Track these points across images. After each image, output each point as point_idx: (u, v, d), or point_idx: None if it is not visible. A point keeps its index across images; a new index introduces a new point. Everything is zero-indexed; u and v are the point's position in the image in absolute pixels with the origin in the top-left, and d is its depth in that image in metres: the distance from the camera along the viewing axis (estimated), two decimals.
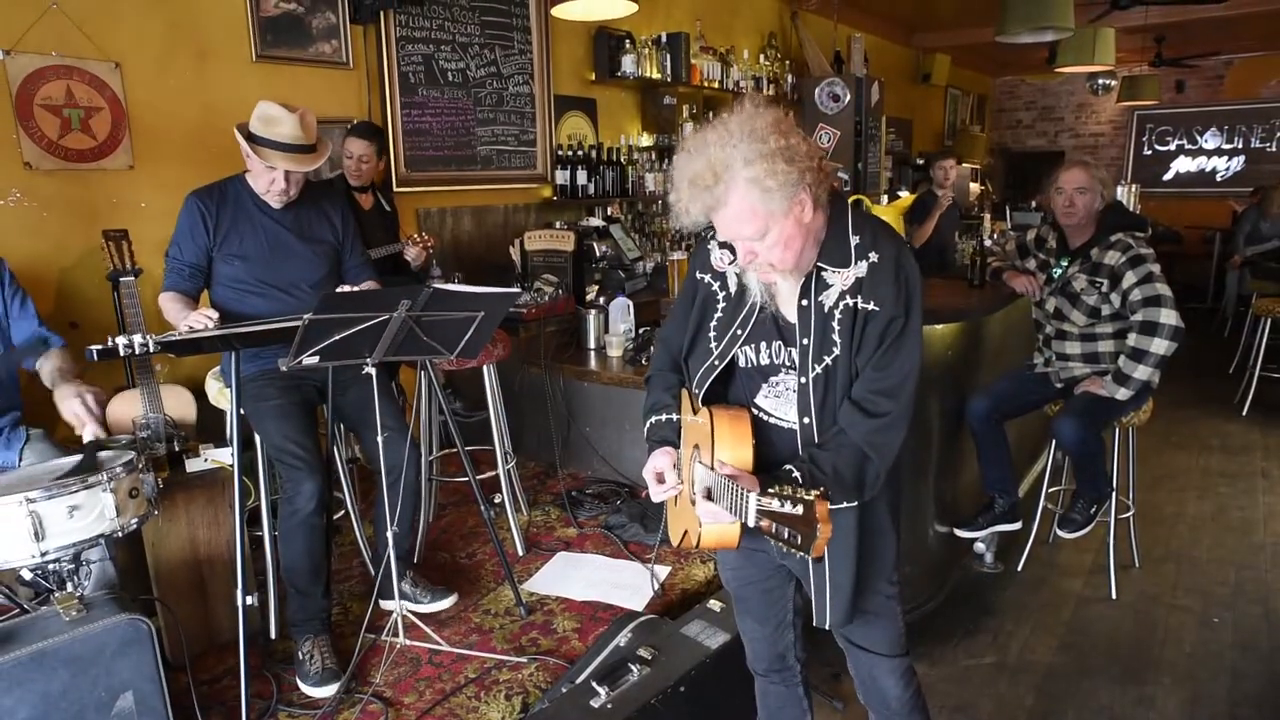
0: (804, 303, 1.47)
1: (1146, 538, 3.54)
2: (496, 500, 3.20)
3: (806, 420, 1.50)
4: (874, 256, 1.45)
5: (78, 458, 2.01)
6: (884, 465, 1.46)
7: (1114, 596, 3.12)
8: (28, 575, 1.95)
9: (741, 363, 1.57)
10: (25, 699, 1.58)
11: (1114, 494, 3.15)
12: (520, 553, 3.07)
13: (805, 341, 1.48)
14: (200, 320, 2.19)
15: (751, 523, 1.26)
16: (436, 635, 2.47)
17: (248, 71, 3.52)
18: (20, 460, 2.22)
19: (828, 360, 1.47)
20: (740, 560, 1.74)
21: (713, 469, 1.44)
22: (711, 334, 1.58)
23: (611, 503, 3.39)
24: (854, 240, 1.46)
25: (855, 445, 1.44)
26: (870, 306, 1.44)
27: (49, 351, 2.26)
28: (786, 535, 1.20)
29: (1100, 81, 9.33)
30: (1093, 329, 3.04)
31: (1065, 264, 3.10)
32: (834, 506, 1.42)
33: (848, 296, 1.45)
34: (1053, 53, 6.87)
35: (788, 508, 1.19)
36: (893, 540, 1.63)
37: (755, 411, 1.56)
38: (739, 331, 1.55)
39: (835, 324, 1.46)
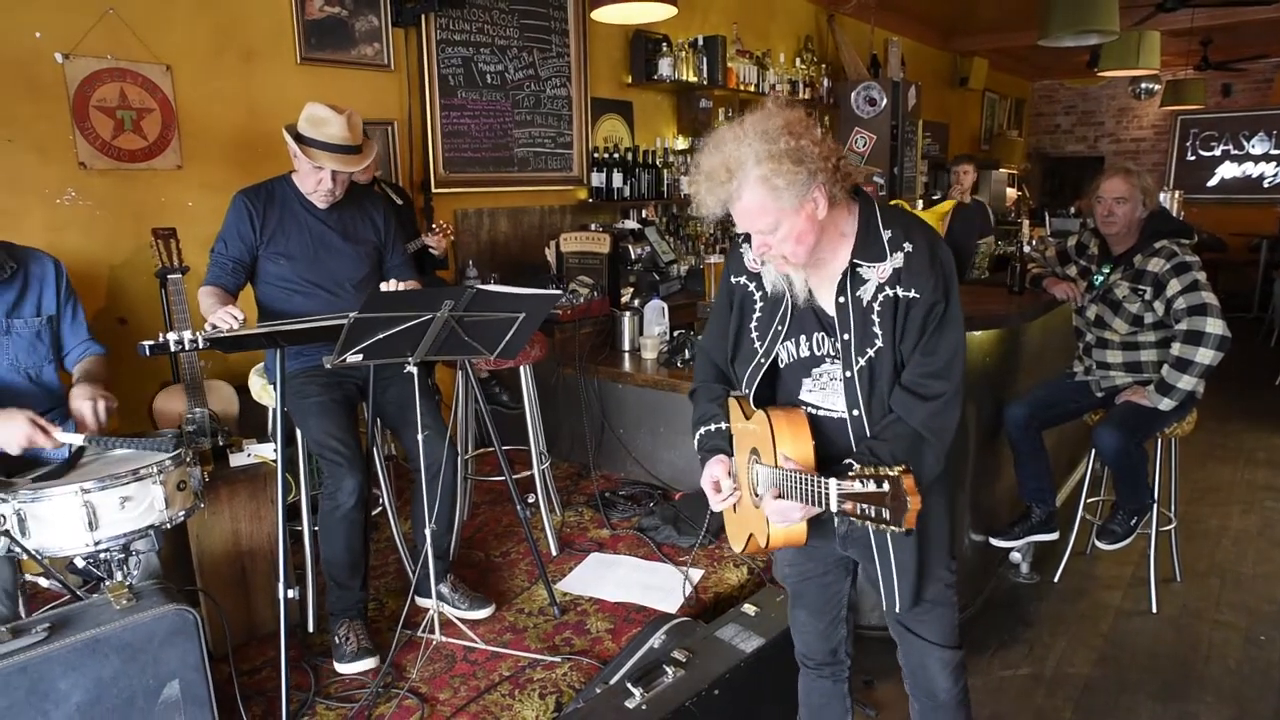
0: (841, 300, 1.53)
1: (1188, 551, 3.47)
2: (531, 500, 3.22)
3: (856, 412, 1.54)
4: (909, 246, 1.49)
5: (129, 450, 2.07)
6: (942, 447, 1.50)
7: (1154, 610, 3.07)
8: (80, 563, 2.01)
9: (784, 358, 1.61)
10: (79, 683, 1.63)
11: (1155, 506, 3.09)
12: (554, 553, 3.08)
13: (846, 337, 1.53)
14: (225, 319, 2.17)
15: (834, 508, 1.31)
16: (471, 633, 2.49)
17: (292, 73, 3.58)
18: (67, 452, 2.28)
19: (870, 353, 1.51)
20: (800, 556, 1.77)
21: (777, 467, 1.46)
22: (754, 333, 1.63)
23: (644, 505, 3.39)
24: (886, 235, 1.51)
25: (911, 432, 1.48)
26: (911, 294, 1.48)
27: (88, 356, 2.31)
28: (874, 514, 1.24)
29: (1143, 86, 9.17)
30: (1135, 337, 2.99)
31: (1107, 271, 3.05)
32: None
33: (886, 288, 1.49)
34: (1094, 56, 6.76)
35: (871, 486, 1.25)
36: (947, 526, 1.65)
37: (804, 407, 1.60)
38: (779, 327, 1.59)
39: (875, 316, 1.50)
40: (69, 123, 2.97)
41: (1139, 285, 2.91)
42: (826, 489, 1.32)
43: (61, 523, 1.82)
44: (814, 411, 1.59)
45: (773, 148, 1.39)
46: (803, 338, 1.58)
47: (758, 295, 1.63)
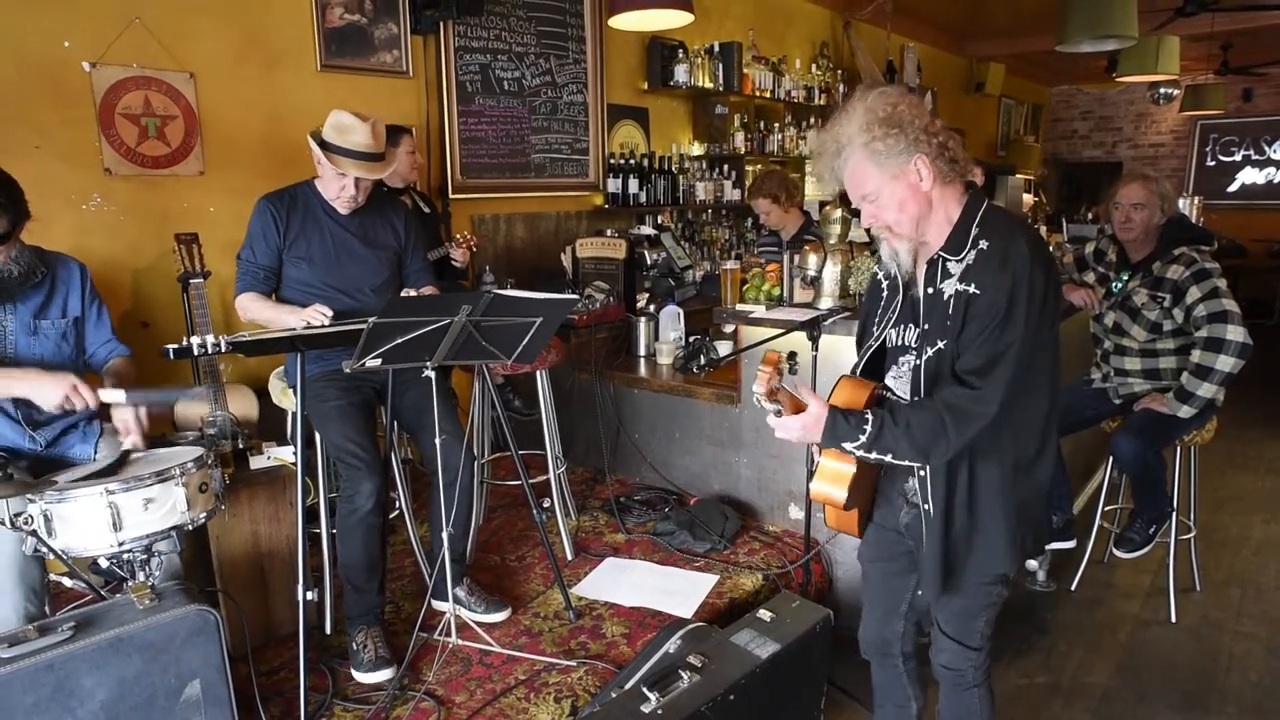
0: (929, 290, 1.62)
1: (1208, 561, 3.44)
2: (546, 504, 3.23)
3: (916, 398, 1.63)
4: (983, 244, 1.55)
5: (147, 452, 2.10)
6: (956, 438, 1.53)
7: (1173, 620, 3.04)
8: (104, 563, 2.04)
9: (893, 340, 1.73)
10: (104, 682, 1.65)
11: (1174, 514, 3.07)
12: (569, 557, 3.10)
13: (925, 326, 1.61)
14: (315, 317, 2.31)
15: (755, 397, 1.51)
16: (488, 636, 2.51)
17: (312, 81, 3.62)
18: (95, 453, 2.31)
19: (940, 345, 1.58)
20: (872, 537, 1.90)
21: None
22: (876, 317, 1.78)
23: (660, 510, 3.40)
24: (974, 231, 1.57)
25: (935, 407, 1.54)
26: (972, 290, 1.53)
27: (114, 358, 2.36)
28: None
29: (1162, 91, 9.10)
30: (1154, 344, 2.98)
31: (1125, 278, 3.04)
32: (894, 461, 1.57)
33: (958, 283, 1.55)
34: (1112, 61, 6.72)
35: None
36: (1001, 540, 1.67)
37: (884, 391, 1.73)
38: (891, 314, 1.72)
39: (950, 311, 1.56)
40: (95, 130, 3.02)
41: (1158, 292, 2.89)
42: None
43: (87, 523, 1.85)
44: (889, 395, 1.71)
45: (873, 117, 1.52)
46: (903, 325, 1.69)
47: (885, 285, 1.76)
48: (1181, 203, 4.82)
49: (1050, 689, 2.66)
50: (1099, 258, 3.24)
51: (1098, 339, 3.21)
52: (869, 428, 1.54)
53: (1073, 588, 3.29)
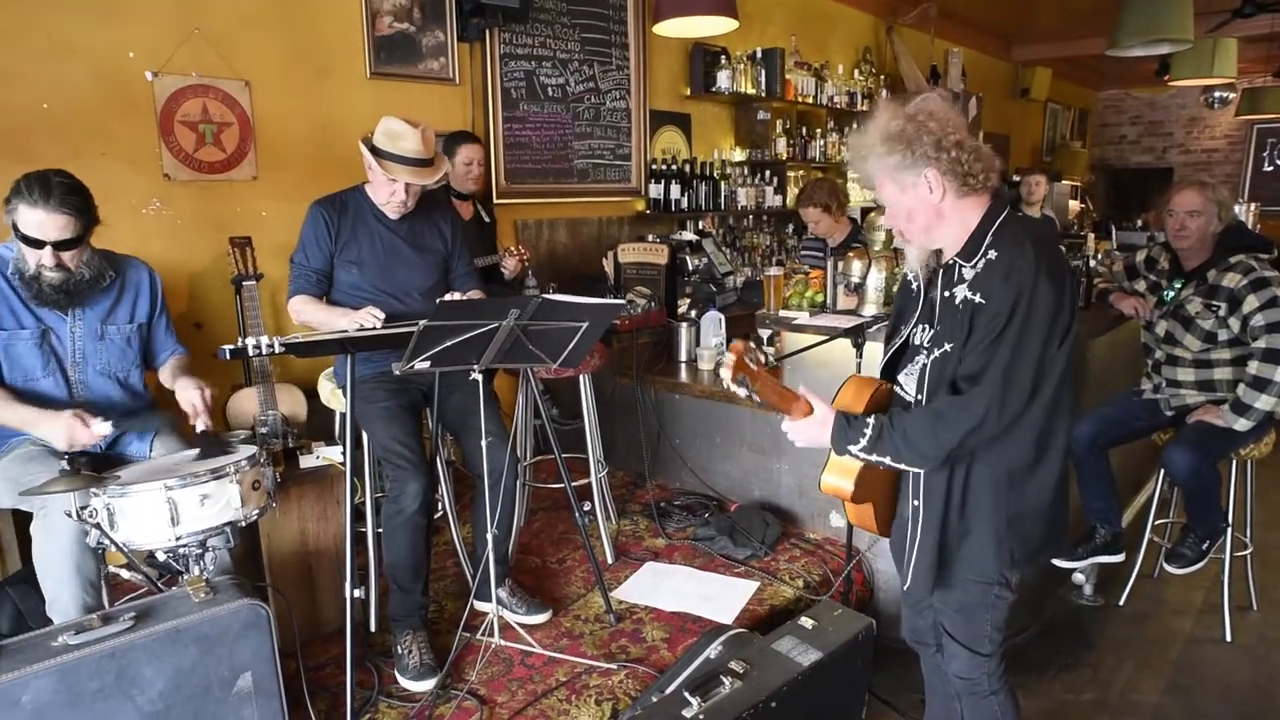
0: (945, 294, 1.66)
1: (1265, 578, 3.34)
2: (587, 508, 3.25)
3: (919, 398, 1.68)
4: (992, 254, 1.58)
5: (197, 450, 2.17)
6: (944, 441, 1.58)
7: (1228, 639, 2.96)
8: (161, 556, 2.10)
9: (914, 339, 1.76)
10: (162, 671, 1.70)
11: (1229, 530, 2.99)
12: (609, 560, 3.11)
13: (938, 327, 1.64)
14: (369, 319, 2.36)
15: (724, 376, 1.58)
16: (529, 637, 2.53)
17: (361, 87, 3.70)
18: (151, 451, 2.38)
19: (948, 347, 1.61)
20: (896, 529, 1.93)
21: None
22: (905, 317, 1.82)
23: (700, 515, 3.40)
24: (988, 239, 1.60)
25: (930, 411, 1.60)
26: (977, 299, 1.56)
27: (175, 356, 2.44)
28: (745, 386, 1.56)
29: (1218, 94, 8.89)
30: (1208, 355, 2.91)
31: (1179, 286, 2.97)
32: (894, 464, 1.64)
33: (968, 290, 1.58)
34: (1164, 64, 6.58)
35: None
36: (989, 545, 1.71)
37: (895, 387, 1.79)
38: (913, 314, 1.77)
39: (959, 316, 1.59)
40: (156, 136, 3.12)
41: (1213, 301, 2.83)
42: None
43: (146, 517, 1.90)
44: (899, 392, 1.77)
45: (883, 133, 1.59)
46: (922, 325, 1.73)
47: (914, 286, 1.79)
48: (1237, 209, 4.70)
49: (1097, 705, 2.61)
50: (1150, 265, 3.17)
51: (1148, 349, 3.14)
52: (869, 431, 1.61)
53: (1121, 602, 3.22)
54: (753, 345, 1.68)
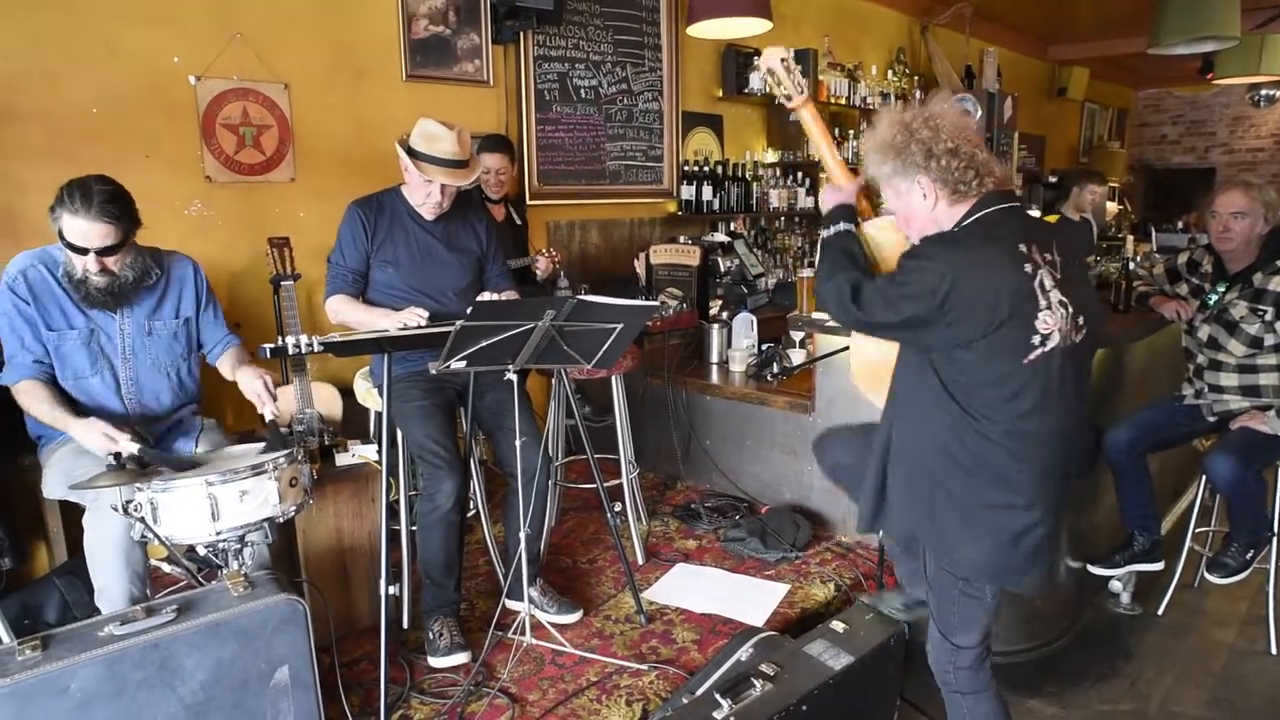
0: None
1: None
2: (617, 509, 3.26)
3: (866, 276, 1.83)
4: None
5: (258, 445, 2.20)
6: (824, 289, 1.82)
7: (1273, 652, 2.89)
8: (201, 551, 2.14)
9: None
10: (203, 663, 1.73)
11: (1275, 539, 2.92)
12: (640, 561, 3.11)
13: None
14: (413, 319, 2.39)
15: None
16: (560, 636, 2.54)
17: (397, 90, 3.74)
18: (196, 447, 2.43)
19: None
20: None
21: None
22: None
23: (730, 517, 3.39)
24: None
25: (852, 277, 1.78)
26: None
27: (230, 347, 2.48)
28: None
29: (1264, 93, 8.70)
30: (1253, 360, 2.84)
31: (1223, 290, 2.91)
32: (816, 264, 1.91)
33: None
34: (1208, 62, 6.44)
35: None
36: (954, 534, 1.75)
37: None
38: None
39: None
40: (198, 139, 3.18)
41: (1259, 305, 2.77)
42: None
43: (188, 512, 1.94)
44: None
45: (880, 139, 1.71)
46: None
47: None
48: None
49: (1136, 717, 2.56)
50: (1193, 268, 3.11)
51: (1190, 353, 3.08)
52: (833, 228, 1.89)
53: (1160, 612, 3.15)
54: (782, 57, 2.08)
